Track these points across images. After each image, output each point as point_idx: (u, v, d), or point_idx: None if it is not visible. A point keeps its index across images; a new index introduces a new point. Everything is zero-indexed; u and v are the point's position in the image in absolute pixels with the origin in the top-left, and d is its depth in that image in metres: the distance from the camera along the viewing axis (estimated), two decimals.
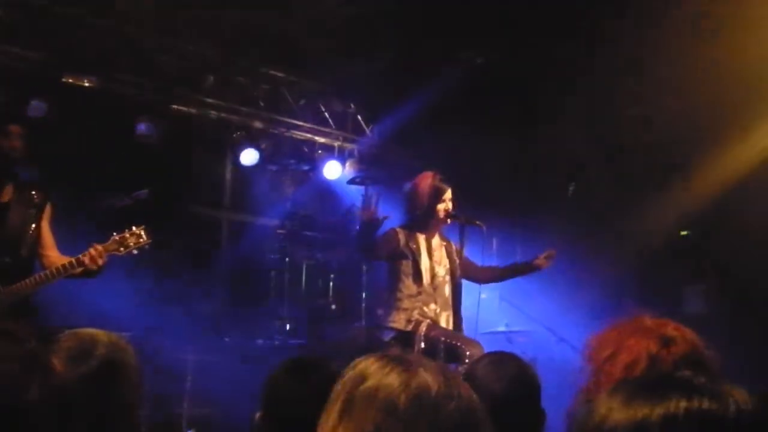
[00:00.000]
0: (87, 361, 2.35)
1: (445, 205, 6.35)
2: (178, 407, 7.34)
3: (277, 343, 8.12)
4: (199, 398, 7.49)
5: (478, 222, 6.38)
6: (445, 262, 6.47)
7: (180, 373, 7.38)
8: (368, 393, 1.57)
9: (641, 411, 1.30)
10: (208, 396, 7.50)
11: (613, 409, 1.34)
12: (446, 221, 6.39)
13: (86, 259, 5.19)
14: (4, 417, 1.11)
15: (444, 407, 1.55)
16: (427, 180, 6.44)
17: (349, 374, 1.64)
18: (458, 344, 6.02)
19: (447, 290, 6.43)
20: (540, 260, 6.54)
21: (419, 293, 6.28)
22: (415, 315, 6.21)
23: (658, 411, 1.29)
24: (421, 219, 6.40)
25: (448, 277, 6.43)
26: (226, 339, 8.15)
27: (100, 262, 5.24)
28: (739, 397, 1.31)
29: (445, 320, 6.34)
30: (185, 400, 7.37)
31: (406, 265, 6.30)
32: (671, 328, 2.35)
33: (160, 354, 6.69)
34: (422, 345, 6.06)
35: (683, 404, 1.29)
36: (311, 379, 2.67)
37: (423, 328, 6.13)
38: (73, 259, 5.24)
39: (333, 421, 1.59)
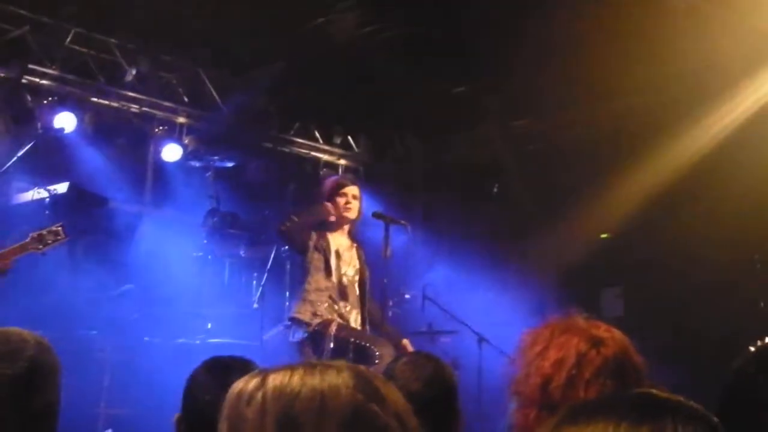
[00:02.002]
0: (17, 362, 2.27)
1: (346, 199, 6.39)
2: (95, 407, 7.20)
3: (198, 342, 8.01)
4: (117, 398, 7.35)
5: (402, 221, 6.46)
6: (355, 263, 6.54)
7: (98, 372, 7.24)
8: (311, 406, 1.39)
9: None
10: (126, 396, 7.38)
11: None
12: (352, 216, 6.43)
13: None
14: None
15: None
16: (330, 179, 6.77)
17: (259, 396, 1.43)
18: (368, 345, 6.06)
19: (356, 290, 6.50)
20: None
21: (327, 288, 6.34)
22: (322, 309, 6.24)
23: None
24: (323, 219, 6.45)
25: (356, 278, 6.51)
26: (146, 338, 8.01)
27: (7, 267, 5.19)
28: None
29: (354, 319, 6.41)
30: (102, 400, 7.23)
31: (318, 260, 6.36)
32: (602, 330, 2.39)
33: (77, 352, 6.56)
34: (331, 345, 6.08)
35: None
36: (232, 379, 2.62)
37: (333, 328, 6.16)
38: None
39: None
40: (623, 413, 1.23)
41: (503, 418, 2.62)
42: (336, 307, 6.31)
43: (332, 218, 6.38)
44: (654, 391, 1.33)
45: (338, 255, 6.42)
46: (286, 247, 7.40)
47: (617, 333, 2.40)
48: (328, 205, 6.34)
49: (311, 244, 6.36)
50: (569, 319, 2.45)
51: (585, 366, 2.28)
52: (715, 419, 1.25)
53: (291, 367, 1.48)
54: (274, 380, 1.45)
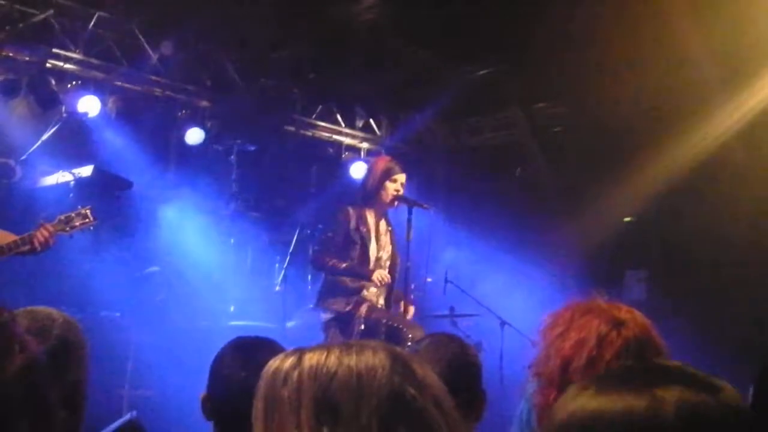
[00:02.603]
0: (46, 339, 2.30)
1: (395, 185, 6.40)
2: (119, 388, 7.26)
3: (221, 324, 8.05)
4: (142, 380, 7.41)
5: (425, 204, 6.48)
6: (389, 248, 6.61)
7: (122, 354, 7.30)
8: (349, 386, 1.38)
9: (624, 400, 1.23)
10: (150, 377, 7.43)
11: (588, 400, 1.27)
12: (393, 203, 6.43)
13: (36, 240, 5.15)
14: None
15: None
16: (382, 161, 6.74)
17: (296, 375, 1.42)
18: (400, 326, 6.08)
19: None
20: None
21: (362, 278, 6.38)
22: (355, 299, 6.27)
23: (645, 398, 1.22)
24: (370, 196, 6.50)
25: (388, 263, 6.57)
26: (170, 320, 8.06)
27: (51, 242, 5.21)
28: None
29: (380, 302, 6.47)
30: (126, 381, 7.29)
31: (354, 250, 6.38)
32: (624, 311, 2.38)
33: (101, 334, 6.61)
34: (362, 327, 6.10)
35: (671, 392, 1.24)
36: (257, 358, 2.64)
37: (363, 309, 6.18)
38: (22, 238, 5.18)
39: None
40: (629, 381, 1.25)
41: (523, 400, 2.63)
42: (366, 293, 6.37)
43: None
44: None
45: (377, 239, 6.49)
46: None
47: (639, 315, 2.39)
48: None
49: (350, 228, 6.40)
50: (590, 300, 2.44)
51: (605, 347, 2.27)
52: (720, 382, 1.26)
53: (327, 347, 1.47)
54: (311, 359, 1.44)
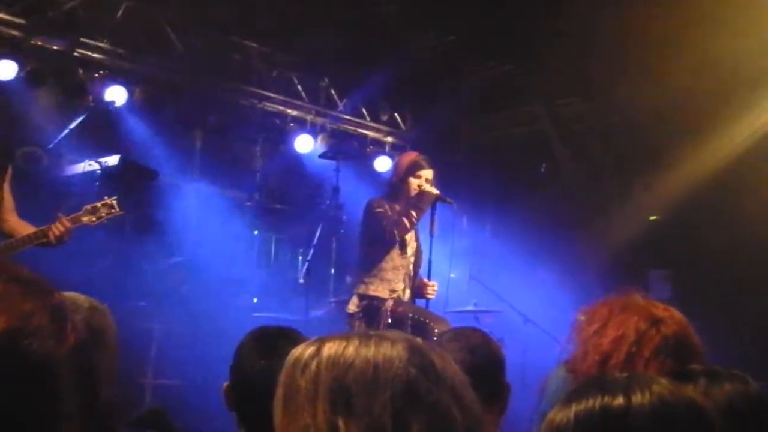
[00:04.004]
0: None
1: (420, 181, 6.36)
2: (142, 377, 7.30)
3: (245, 316, 8.08)
4: (164, 369, 7.45)
5: (448, 199, 6.43)
6: (413, 243, 6.59)
7: (145, 343, 7.33)
8: (364, 378, 1.38)
9: (562, 413, 1.45)
10: (173, 367, 7.47)
11: (556, 411, 1.47)
12: (420, 199, 6.40)
13: (51, 234, 5.16)
14: (33, 373, 1.05)
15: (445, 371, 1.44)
16: (409, 156, 6.69)
17: (314, 364, 1.43)
18: (426, 321, 6.07)
19: (411, 269, 6.56)
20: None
21: (402, 266, 6.42)
22: (398, 287, 6.28)
23: (572, 411, 1.43)
24: (395, 191, 6.48)
25: (412, 258, 6.57)
26: (192, 310, 8.10)
27: (67, 237, 5.22)
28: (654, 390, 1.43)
29: (407, 297, 6.47)
30: (149, 371, 7.33)
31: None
32: (661, 309, 2.38)
33: (124, 323, 6.64)
34: (388, 320, 6.09)
35: (591, 404, 1.43)
36: (279, 348, 2.64)
37: (390, 303, 6.17)
38: (39, 230, 5.20)
39: (324, 423, 1.37)
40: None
41: (545, 397, 2.61)
42: (394, 285, 6.35)
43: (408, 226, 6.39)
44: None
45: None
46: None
47: (676, 313, 2.40)
48: (403, 222, 6.33)
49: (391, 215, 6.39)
50: (627, 297, 2.43)
51: (645, 344, 2.28)
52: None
53: (347, 337, 1.47)
54: (329, 349, 1.45)
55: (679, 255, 9.10)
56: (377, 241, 6.42)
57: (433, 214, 6.39)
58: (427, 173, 6.45)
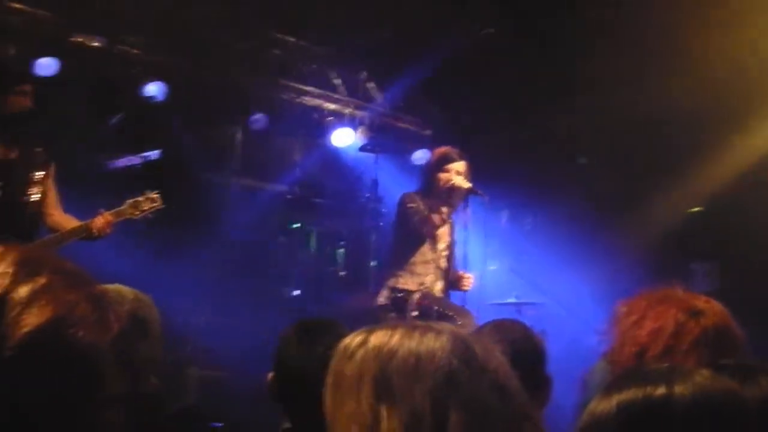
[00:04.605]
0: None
1: (449, 175, 6.34)
2: (185, 368, 7.37)
3: (284, 309, 8.12)
4: (207, 360, 7.51)
5: (480, 192, 6.41)
6: (446, 238, 6.60)
7: (188, 334, 7.41)
8: (407, 367, 1.41)
9: (603, 403, 1.47)
10: (216, 358, 7.53)
11: (598, 402, 1.49)
12: (452, 194, 6.39)
13: (94, 228, 5.24)
14: (78, 361, 1.08)
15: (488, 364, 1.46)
16: (439, 150, 6.66)
17: (361, 353, 1.46)
18: (450, 314, 6.10)
19: (443, 263, 6.56)
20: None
21: (432, 260, 6.43)
22: (428, 281, 6.30)
23: (614, 401, 1.45)
24: (428, 186, 6.51)
25: (446, 252, 6.57)
26: (234, 303, 8.16)
27: (108, 230, 5.30)
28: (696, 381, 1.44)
29: (438, 289, 6.49)
30: (193, 361, 7.40)
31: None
32: (701, 301, 2.36)
33: (166, 315, 6.70)
34: (415, 313, 6.12)
35: (633, 393, 1.45)
36: (321, 340, 2.66)
37: (417, 296, 6.21)
38: (82, 225, 5.28)
39: (368, 411, 1.40)
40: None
41: (586, 390, 2.59)
42: (425, 279, 6.36)
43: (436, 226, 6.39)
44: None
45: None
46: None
47: (716, 305, 2.37)
48: (432, 220, 6.33)
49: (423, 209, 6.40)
50: (666, 289, 2.41)
51: (683, 336, 2.25)
52: None
53: (394, 327, 1.50)
54: (376, 339, 1.48)
55: (722, 247, 9.00)
56: (408, 236, 6.46)
57: (465, 207, 6.39)
58: (458, 166, 6.43)
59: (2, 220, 5.14)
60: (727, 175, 8.59)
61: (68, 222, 5.42)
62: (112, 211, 5.37)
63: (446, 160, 6.44)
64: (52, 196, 5.49)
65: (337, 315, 7.50)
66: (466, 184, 6.36)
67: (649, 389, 1.43)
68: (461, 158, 6.47)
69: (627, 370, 1.70)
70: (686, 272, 9.06)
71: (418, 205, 6.36)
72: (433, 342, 1.44)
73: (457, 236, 6.65)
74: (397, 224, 6.65)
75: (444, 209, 6.38)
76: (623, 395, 1.45)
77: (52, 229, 5.39)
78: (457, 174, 6.39)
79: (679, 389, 1.41)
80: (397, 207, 6.63)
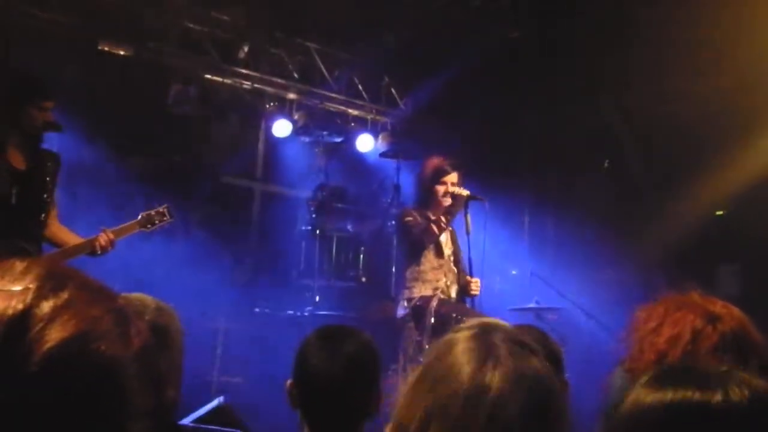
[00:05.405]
0: None
1: (446, 188, 6.39)
2: (207, 375, 7.41)
3: (306, 314, 8.15)
4: (229, 366, 7.55)
5: (480, 197, 6.43)
6: (450, 245, 6.64)
7: (210, 341, 7.44)
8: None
9: (654, 396, 1.46)
10: (237, 364, 7.56)
11: (646, 392, 1.48)
12: (451, 205, 6.41)
13: (97, 246, 5.35)
14: (103, 375, 1.10)
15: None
16: (432, 162, 6.63)
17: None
18: (467, 320, 6.06)
19: (453, 268, 6.62)
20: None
21: (441, 265, 6.47)
22: (442, 285, 6.32)
23: (667, 396, 1.44)
24: (425, 199, 6.55)
25: (452, 258, 6.61)
26: (256, 309, 8.20)
27: (109, 248, 5.40)
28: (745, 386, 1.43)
29: (454, 294, 6.53)
30: (215, 368, 7.44)
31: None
32: (719, 306, 2.34)
33: (190, 322, 6.74)
34: (432, 320, 6.13)
35: (688, 393, 1.43)
36: (343, 347, 2.68)
37: (434, 303, 6.22)
38: (86, 242, 5.41)
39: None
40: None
41: (608, 397, 2.59)
42: (439, 283, 6.38)
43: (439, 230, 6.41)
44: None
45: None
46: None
47: (735, 309, 2.36)
48: (432, 229, 6.36)
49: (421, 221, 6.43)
50: (684, 295, 2.41)
51: (701, 342, 2.25)
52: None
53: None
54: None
55: (748, 250, 8.94)
56: (412, 249, 6.53)
57: (466, 214, 6.41)
58: (452, 177, 6.49)
59: (16, 227, 5.21)
60: (754, 176, 8.53)
61: (64, 234, 5.55)
62: (115, 228, 5.50)
63: (441, 172, 6.48)
64: (55, 207, 5.59)
65: (359, 322, 7.55)
66: (465, 192, 6.40)
67: (707, 394, 1.41)
68: (454, 168, 6.51)
69: (682, 366, 1.68)
70: (711, 275, 9.02)
71: (415, 218, 6.43)
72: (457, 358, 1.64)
73: (461, 242, 6.66)
74: (399, 241, 6.74)
75: (443, 218, 6.42)
76: (679, 394, 1.43)
77: (47, 239, 5.47)
78: (452, 185, 6.45)
79: (735, 394, 1.40)
80: (395, 224, 6.71)
